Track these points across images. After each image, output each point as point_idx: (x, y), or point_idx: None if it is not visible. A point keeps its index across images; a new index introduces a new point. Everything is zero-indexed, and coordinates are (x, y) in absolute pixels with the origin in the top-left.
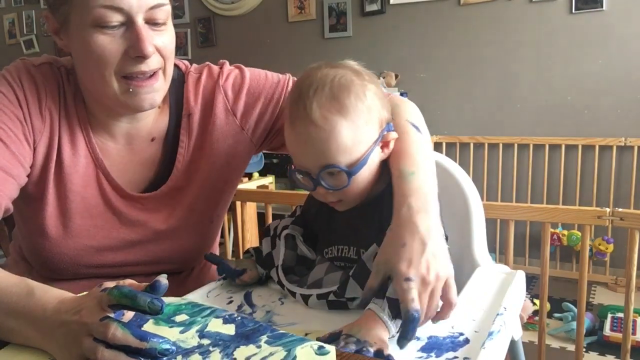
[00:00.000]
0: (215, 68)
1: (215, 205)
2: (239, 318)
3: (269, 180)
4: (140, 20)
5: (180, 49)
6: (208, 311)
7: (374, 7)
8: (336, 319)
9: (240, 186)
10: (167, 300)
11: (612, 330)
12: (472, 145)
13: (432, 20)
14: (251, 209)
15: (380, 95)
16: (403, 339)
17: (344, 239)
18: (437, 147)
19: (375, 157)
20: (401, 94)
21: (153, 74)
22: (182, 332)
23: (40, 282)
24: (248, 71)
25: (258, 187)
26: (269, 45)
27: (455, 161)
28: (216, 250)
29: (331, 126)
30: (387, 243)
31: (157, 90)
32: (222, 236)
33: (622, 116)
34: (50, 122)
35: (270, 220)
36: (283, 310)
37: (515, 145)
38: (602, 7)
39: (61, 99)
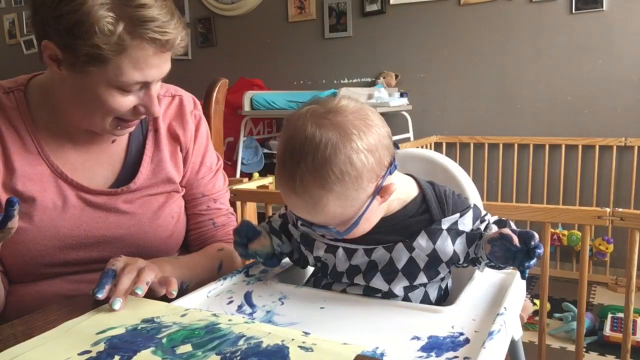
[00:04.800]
0: (188, 103)
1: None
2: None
3: (269, 180)
4: (155, 84)
5: None
6: (216, 342)
7: (374, 7)
8: (335, 320)
9: (240, 186)
10: (189, 321)
11: (612, 330)
12: (472, 145)
13: (432, 20)
14: (251, 209)
15: (377, 142)
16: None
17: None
18: (437, 147)
19: (374, 207)
20: (401, 94)
21: None
22: None
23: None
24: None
25: (258, 187)
26: (269, 45)
27: (455, 161)
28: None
29: (315, 200)
30: None
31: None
32: None
33: (622, 116)
34: None
35: None
36: (283, 310)
37: (515, 145)
38: (602, 7)
39: None
